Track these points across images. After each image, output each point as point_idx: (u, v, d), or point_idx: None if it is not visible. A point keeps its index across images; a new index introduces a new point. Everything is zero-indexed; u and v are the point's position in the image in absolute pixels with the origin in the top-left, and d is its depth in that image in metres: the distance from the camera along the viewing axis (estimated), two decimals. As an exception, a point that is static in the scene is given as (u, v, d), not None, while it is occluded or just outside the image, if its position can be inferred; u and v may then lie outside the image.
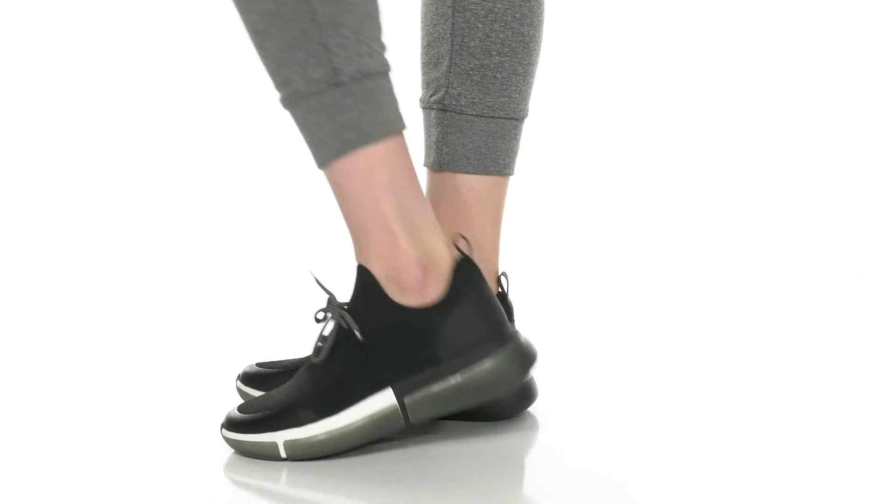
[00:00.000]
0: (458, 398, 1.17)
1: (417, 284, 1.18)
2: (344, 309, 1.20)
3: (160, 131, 2.85)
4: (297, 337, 1.60)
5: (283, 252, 2.54)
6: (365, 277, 1.19)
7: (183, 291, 2.22)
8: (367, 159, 1.17)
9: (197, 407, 1.43)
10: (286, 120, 1.20)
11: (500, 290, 1.36)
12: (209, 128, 2.85)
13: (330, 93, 1.15)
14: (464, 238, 1.24)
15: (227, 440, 1.22)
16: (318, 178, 1.23)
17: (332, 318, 1.20)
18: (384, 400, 1.18)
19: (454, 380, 1.16)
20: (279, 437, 1.19)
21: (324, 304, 1.44)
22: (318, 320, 1.22)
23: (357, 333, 1.18)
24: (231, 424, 1.22)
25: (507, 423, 1.32)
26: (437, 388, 1.17)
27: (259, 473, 1.19)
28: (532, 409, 1.37)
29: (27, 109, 2.84)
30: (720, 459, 1.21)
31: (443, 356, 1.16)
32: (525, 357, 1.18)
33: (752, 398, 1.45)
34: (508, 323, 1.19)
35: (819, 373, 1.59)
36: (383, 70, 1.17)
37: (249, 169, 2.83)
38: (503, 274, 1.34)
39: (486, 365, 1.16)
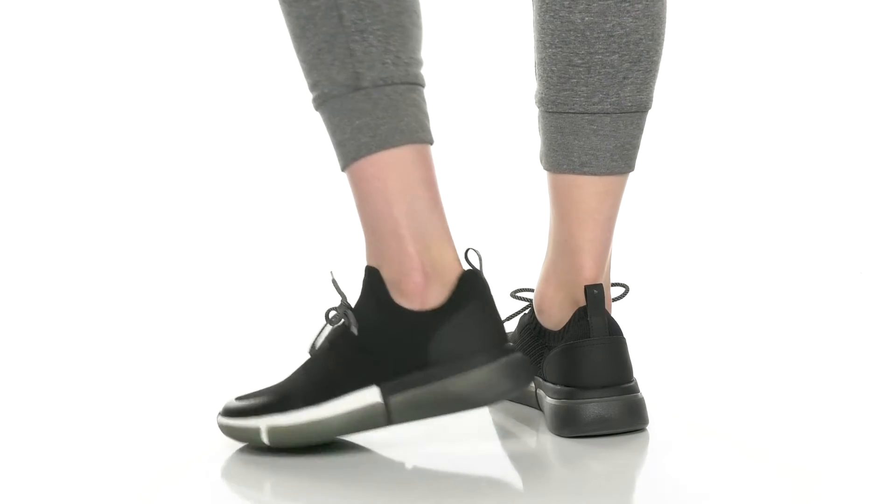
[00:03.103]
0: (442, 404, 1.17)
1: (418, 290, 1.18)
2: (350, 308, 1.21)
3: (163, 133, 2.85)
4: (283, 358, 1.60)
5: (284, 262, 2.54)
6: (371, 277, 1.20)
7: (183, 292, 2.22)
8: (382, 164, 1.18)
9: (189, 410, 1.43)
10: (288, 125, 1.21)
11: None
12: (205, 133, 2.85)
13: (351, 96, 1.17)
14: (475, 251, 1.25)
15: (219, 426, 1.25)
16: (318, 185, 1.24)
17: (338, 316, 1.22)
18: (370, 397, 1.19)
19: (439, 386, 1.16)
20: (263, 423, 1.21)
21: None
22: (328, 319, 1.23)
23: (353, 329, 1.19)
24: (225, 411, 1.25)
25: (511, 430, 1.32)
26: (422, 391, 1.17)
27: (246, 480, 1.19)
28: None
29: (28, 110, 2.83)
30: (719, 459, 1.21)
31: (432, 361, 1.17)
32: (516, 374, 1.18)
33: (752, 398, 1.45)
34: (507, 338, 1.20)
35: (819, 373, 1.59)
36: (409, 81, 1.19)
37: (251, 172, 2.83)
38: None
39: (473, 375, 1.16)
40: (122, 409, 1.47)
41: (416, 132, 1.19)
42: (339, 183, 1.23)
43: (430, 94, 1.23)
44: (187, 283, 2.31)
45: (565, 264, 1.32)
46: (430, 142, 1.21)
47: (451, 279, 1.18)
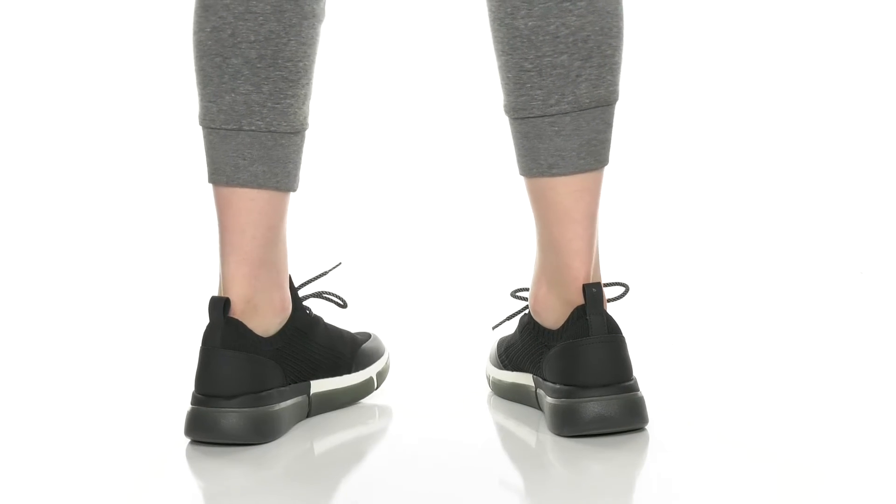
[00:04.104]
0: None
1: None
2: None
3: (163, 133, 2.85)
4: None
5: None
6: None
7: (182, 294, 2.22)
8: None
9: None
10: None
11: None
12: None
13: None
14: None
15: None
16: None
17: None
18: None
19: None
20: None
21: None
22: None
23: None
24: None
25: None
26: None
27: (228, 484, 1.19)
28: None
29: (28, 110, 2.83)
30: (719, 460, 1.21)
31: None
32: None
33: (752, 398, 1.45)
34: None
35: (819, 373, 1.58)
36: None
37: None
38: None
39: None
40: (117, 409, 1.47)
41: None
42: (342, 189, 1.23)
43: (434, 94, 1.23)
44: (187, 283, 2.31)
45: (553, 265, 1.33)
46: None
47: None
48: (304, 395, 1.36)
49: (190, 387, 1.30)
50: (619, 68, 1.31)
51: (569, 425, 1.27)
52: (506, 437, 1.33)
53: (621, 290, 1.40)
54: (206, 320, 1.30)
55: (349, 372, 1.42)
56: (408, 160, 2.63)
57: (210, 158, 1.34)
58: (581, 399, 1.26)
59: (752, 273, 2.32)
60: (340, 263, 1.48)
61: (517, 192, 1.41)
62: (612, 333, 1.29)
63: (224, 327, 1.29)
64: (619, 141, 2.85)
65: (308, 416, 1.37)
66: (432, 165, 2.61)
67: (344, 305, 1.47)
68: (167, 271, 2.38)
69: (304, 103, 1.33)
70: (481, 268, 2.32)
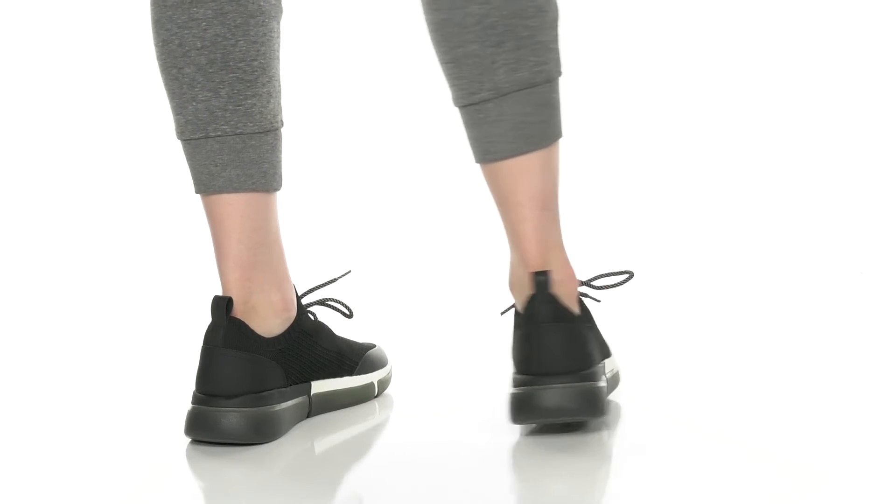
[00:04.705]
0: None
1: None
2: None
3: (162, 132, 2.84)
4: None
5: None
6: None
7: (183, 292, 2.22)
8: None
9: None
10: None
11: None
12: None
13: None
14: None
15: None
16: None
17: None
18: None
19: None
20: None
21: None
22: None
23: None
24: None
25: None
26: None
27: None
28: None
29: (27, 110, 2.83)
30: (718, 459, 1.21)
31: None
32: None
33: (752, 398, 1.45)
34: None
35: (819, 373, 1.58)
36: None
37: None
38: None
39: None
40: (115, 408, 1.47)
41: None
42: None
43: (434, 94, 1.24)
44: (189, 283, 2.31)
45: (514, 251, 1.33)
46: None
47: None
48: (305, 396, 1.36)
49: (191, 387, 1.30)
50: (544, 48, 1.29)
51: (522, 414, 1.26)
52: (506, 437, 1.33)
53: (624, 276, 1.39)
54: (209, 320, 1.30)
55: (351, 375, 1.42)
56: (423, 166, 2.63)
57: (190, 170, 1.35)
58: (534, 388, 1.25)
59: (752, 273, 2.32)
60: (350, 272, 1.47)
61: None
62: (561, 322, 1.28)
63: (226, 327, 1.29)
64: (620, 139, 2.86)
65: (308, 416, 1.37)
66: (445, 171, 2.60)
67: (350, 315, 1.45)
68: (169, 272, 2.39)
69: (268, 101, 1.33)
70: (487, 274, 2.32)
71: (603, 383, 1.28)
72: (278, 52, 1.35)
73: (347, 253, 2.32)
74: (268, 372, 1.30)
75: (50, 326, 1.99)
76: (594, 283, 1.39)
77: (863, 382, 1.53)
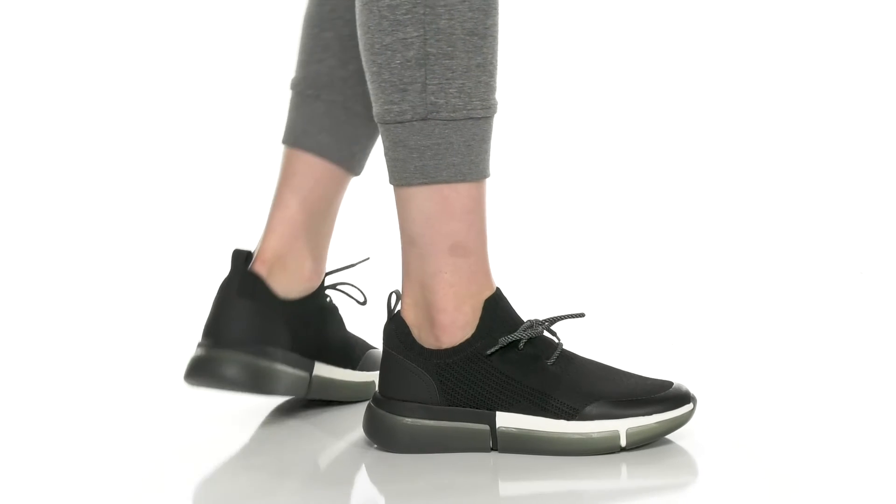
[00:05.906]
0: None
1: None
2: None
3: (163, 133, 2.85)
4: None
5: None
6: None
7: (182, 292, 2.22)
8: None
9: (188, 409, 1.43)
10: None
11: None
12: (206, 132, 2.85)
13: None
14: None
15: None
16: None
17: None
18: None
19: None
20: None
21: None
22: None
23: None
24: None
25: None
26: None
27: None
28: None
29: (27, 109, 2.84)
30: (718, 459, 1.21)
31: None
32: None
33: (752, 398, 1.45)
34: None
35: (819, 373, 1.59)
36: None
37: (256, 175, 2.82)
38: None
39: None
40: (115, 409, 1.47)
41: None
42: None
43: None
44: (191, 284, 2.31)
45: None
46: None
47: None
48: (307, 373, 1.35)
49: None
50: (391, 86, 1.20)
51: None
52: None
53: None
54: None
55: (354, 369, 1.42)
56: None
57: (287, 118, 1.38)
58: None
59: (752, 273, 2.32)
60: (368, 258, 1.47)
61: (533, 206, 1.42)
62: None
63: (242, 277, 1.30)
64: (621, 140, 2.86)
65: (306, 395, 1.36)
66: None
67: (364, 302, 1.44)
68: (171, 272, 2.39)
69: None
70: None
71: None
72: None
73: (367, 240, 2.32)
74: (276, 328, 1.30)
75: (49, 327, 1.99)
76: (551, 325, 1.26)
77: (863, 382, 1.53)
